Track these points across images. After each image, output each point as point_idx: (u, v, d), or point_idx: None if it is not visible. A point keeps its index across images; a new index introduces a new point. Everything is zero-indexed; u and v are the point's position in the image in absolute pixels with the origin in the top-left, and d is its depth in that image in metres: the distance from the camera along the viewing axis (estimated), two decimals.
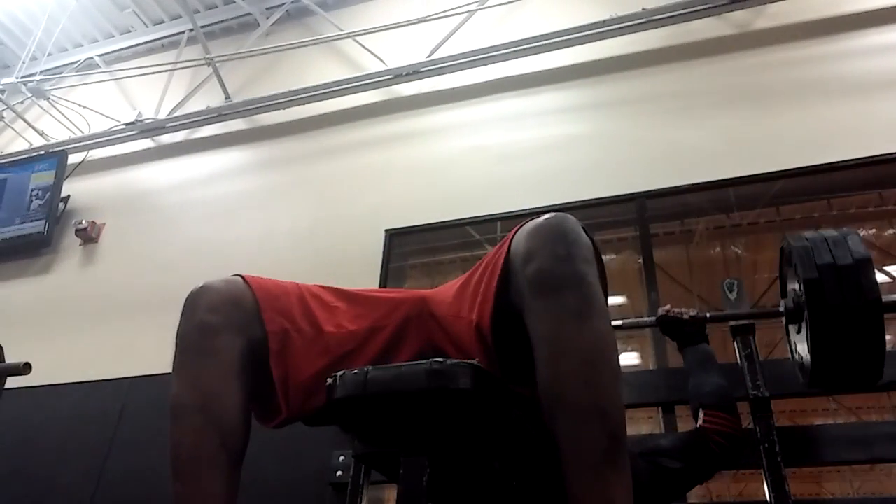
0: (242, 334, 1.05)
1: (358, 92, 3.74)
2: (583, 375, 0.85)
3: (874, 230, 3.64)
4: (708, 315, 1.88)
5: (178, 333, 1.06)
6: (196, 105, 4.15)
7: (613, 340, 0.90)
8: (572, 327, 0.87)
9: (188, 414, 1.00)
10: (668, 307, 1.89)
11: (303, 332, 1.09)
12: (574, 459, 0.84)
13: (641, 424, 5.09)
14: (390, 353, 1.14)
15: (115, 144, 4.26)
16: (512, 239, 0.99)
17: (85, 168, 4.26)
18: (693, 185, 2.78)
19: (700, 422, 1.68)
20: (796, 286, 1.56)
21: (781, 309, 1.68)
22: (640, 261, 2.68)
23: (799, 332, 1.61)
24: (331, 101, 3.78)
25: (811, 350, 1.48)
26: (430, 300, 1.19)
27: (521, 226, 0.99)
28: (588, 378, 0.85)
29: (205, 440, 0.98)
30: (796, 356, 1.68)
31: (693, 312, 1.86)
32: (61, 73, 4.74)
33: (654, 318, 1.92)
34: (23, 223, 3.99)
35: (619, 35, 3.27)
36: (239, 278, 1.12)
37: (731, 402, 1.71)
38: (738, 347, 1.94)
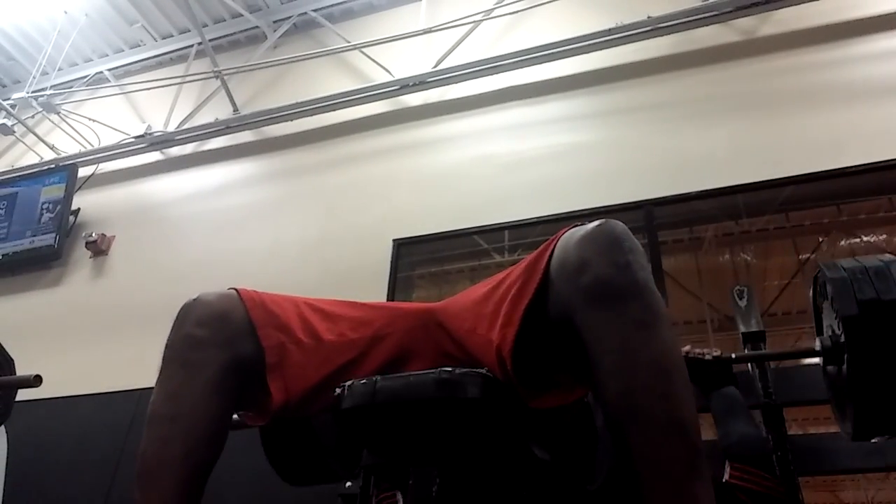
0: (228, 349, 1.04)
1: (365, 103, 3.75)
2: (657, 388, 0.82)
3: (884, 235, 3.61)
4: (733, 356, 1.65)
5: (166, 344, 1.07)
6: (204, 118, 4.18)
7: (680, 349, 0.87)
8: (640, 338, 0.83)
9: (158, 423, 1.00)
10: (687, 348, 1.64)
11: (301, 343, 1.08)
12: (656, 475, 0.81)
13: None
14: (400, 364, 1.12)
15: (124, 157, 4.29)
16: (553, 249, 0.94)
17: (95, 181, 4.30)
18: (701, 191, 2.77)
19: (726, 476, 1.45)
20: (833, 323, 1.35)
21: (817, 347, 1.45)
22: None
23: (839, 374, 1.40)
24: (338, 112, 3.79)
25: (853, 396, 1.27)
26: (440, 312, 1.18)
27: (562, 235, 0.94)
28: (663, 390, 0.82)
29: (168, 450, 0.98)
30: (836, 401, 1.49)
31: (716, 353, 1.63)
32: (71, 87, 4.80)
33: None
34: (33, 236, 4.02)
35: (625, 43, 3.28)
36: (233, 292, 1.11)
37: (762, 455, 1.49)
38: None
